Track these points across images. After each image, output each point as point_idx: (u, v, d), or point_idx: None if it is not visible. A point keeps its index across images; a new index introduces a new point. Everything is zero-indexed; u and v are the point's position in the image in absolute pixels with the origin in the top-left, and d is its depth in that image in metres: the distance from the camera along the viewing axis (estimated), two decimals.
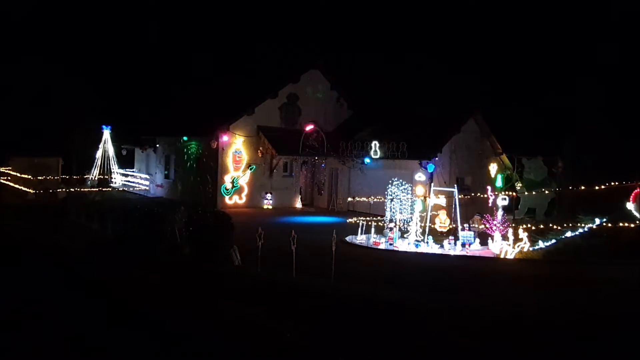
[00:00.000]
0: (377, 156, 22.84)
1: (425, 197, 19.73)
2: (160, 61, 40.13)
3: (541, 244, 15.89)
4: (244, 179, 25.82)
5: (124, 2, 45.99)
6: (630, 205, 17.71)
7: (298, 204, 27.30)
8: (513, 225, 16.50)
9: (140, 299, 8.38)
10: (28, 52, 38.26)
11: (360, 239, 17.65)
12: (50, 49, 38.74)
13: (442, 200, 18.88)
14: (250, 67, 30.54)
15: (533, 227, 17.02)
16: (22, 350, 5.89)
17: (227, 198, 25.30)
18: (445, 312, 8.24)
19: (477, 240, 16.68)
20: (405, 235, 17.49)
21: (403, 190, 18.48)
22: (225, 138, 25.01)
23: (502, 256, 15.60)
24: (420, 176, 22.57)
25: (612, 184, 17.65)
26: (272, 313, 7.55)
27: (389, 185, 18.76)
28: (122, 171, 31.31)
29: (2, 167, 31.95)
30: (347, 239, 17.77)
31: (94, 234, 16.95)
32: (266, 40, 38.01)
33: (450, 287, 11.83)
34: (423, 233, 17.24)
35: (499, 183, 24.96)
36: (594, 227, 16.28)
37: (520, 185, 22.93)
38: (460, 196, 18.02)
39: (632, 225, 16.30)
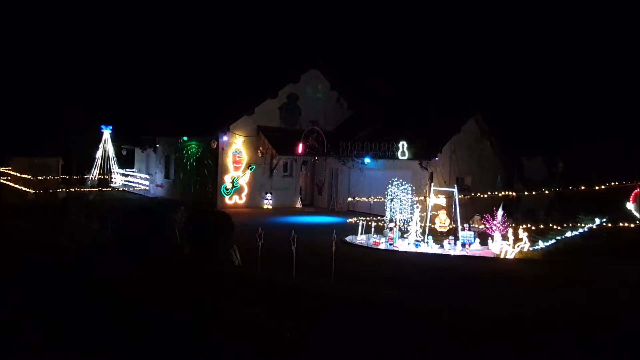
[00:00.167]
0: (405, 157, 22.73)
1: (425, 197, 19.72)
2: (161, 61, 40.15)
3: (541, 244, 15.89)
4: (244, 179, 25.83)
5: (125, 2, 46.00)
6: (630, 205, 17.70)
7: (298, 204, 27.30)
8: (513, 225, 16.49)
9: (140, 299, 8.37)
10: (28, 52, 38.30)
11: (360, 239, 17.64)
12: (50, 49, 38.78)
13: (442, 200, 18.88)
14: (250, 67, 30.52)
15: (533, 227, 17.01)
16: (22, 351, 5.89)
17: (227, 198, 25.30)
18: (445, 312, 8.23)
19: (477, 240, 16.68)
20: (405, 235, 17.49)
21: (403, 190, 18.49)
22: (225, 138, 25.02)
23: (502, 256, 15.60)
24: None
25: (612, 184, 17.65)
26: (272, 313, 7.54)
27: (389, 185, 18.76)
28: (122, 171, 31.31)
29: (2, 167, 31.95)
30: (347, 239, 17.77)
31: (94, 234, 16.95)
32: (266, 40, 38.04)
33: (450, 287, 11.84)
34: (423, 233, 17.24)
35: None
36: (594, 227, 16.28)
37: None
38: (460, 196, 18.02)
39: (632, 225, 16.30)
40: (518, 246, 15.53)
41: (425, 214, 18.00)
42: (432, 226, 18.09)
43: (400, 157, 22.94)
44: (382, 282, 11.65)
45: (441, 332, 7.10)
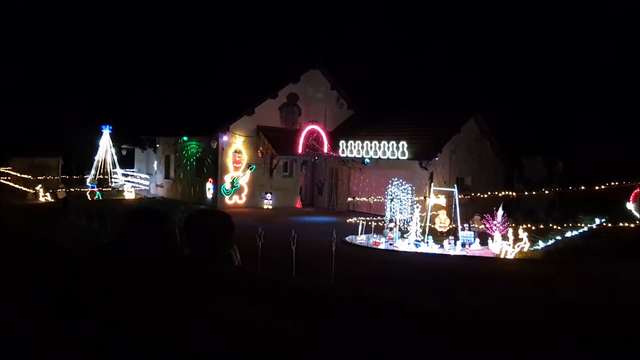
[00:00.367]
0: (405, 157, 22.73)
1: (425, 197, 19.73)
2: (161, 61, 40.16)
3: (541, 244, 15.89)
4: (244, 179, 25.83)
5: (125, 2, 45.99)
6: (630, 205, 17.72)
7: (298, 204, 27.30)
8: (513, 225, 16.49)
9: (140, 299, 8.37)
10: (28, 52, 38.31)
11: (360, 239, 17.65)
12: (50, 49, 38.79)
13: (442, 200, 18.88)
14: (251, 67, 30.53)
15: (533, 227, 17.01)
16: (22, 351, 5.89)
17: (227, 198, 25.31)
18: (445, 312, 8.23)
19: (477, 240, 16.68)
20: (405, 235, 17.49)
21: (403, 190, 18.49)
22: (225, 138, 25.03)
23: (502, 256, 15.60)
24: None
25: (612, 184, 17.65)
26: (272, 313, 7.54)
27: (389, 185, 18.76)
28: (122, 171, 31.32)
29: (2, 167, 31.96)
30: (347, 239, 17.78)
31: (94, 234, 16.96)
32: (266, 40, 38.02)
33: (450, 287, 11.84)
34: (423, 233, 17.24)
35: None
36: (594, 227, 16.28)
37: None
38: (460, 196, 18.02)
39: (632, 225, 16.30)
40: (518, 246, 15.53)
41: (425, 214, 18.00)
42: (432, 226, 18.09)
43: (400, 157, 22.94)
44: (382, 282, 11.65)
45: (441, 332, 7.10)
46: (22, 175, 28.81)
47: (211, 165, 25.57)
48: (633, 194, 17.73)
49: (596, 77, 29.68)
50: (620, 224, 16.29)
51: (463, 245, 16.52)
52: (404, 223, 18.27)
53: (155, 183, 30.48)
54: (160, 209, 14.02)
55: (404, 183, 18.69)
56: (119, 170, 30.59)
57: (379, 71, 36.18)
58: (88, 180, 30.17)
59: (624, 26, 30.80)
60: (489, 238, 16.42)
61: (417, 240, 16.84)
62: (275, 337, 6.50)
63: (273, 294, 9.14)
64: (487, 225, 16.59)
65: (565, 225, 16.76)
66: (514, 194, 21.03)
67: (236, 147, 25.53)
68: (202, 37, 41.67)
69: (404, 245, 16.79)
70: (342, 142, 25.43)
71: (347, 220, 19.69)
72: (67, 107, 34.19)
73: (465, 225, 17.51)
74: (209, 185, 25.54)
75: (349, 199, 25.07)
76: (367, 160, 24.45)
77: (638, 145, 22.66)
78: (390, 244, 16.89)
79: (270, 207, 25.80)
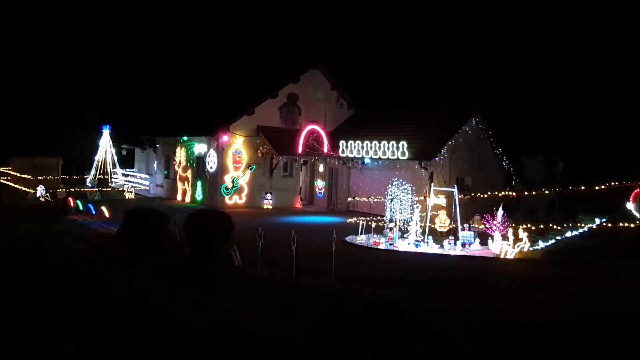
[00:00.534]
0: (405, 157, 22.73)
1: (425, 197, 19.73)
2: (161, 61, 40.14)
3: (541, 244, 15.89)
4: (244, 179, 25.83)
5: (125, 2, 46.00)
6: (630, 205, 17.71)
7: (298, 204, 27.30)
8: (513, 225, 16.49)
9: (140, 299, 8.37)
10: (28, 52, 38.30)
11: (360, 239, 17.65)
12: (50, 49, 38.78)
13: (442, 200, 18.88)
14: (251, 67, 30.55)
15: (533, 227, 17.01)
16: (22, 351, 5.89)
17: (227, 198, 25.31)
18: (445, 312, 8.23)
19: (477, 240, 16.68)
20: (405, 235, 17.49)
21: (403, 190, 18.49)
22: (225, 138, 25.03)
23: (502, 256, 15.60)
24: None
25: (612, 184, 17.65)
26: (272, 313, 7.54)
27: (389, 185, 18.76)
28: (122, 171, 31.33)
29: (2, 167, 31.96)
30: (347, 239, 17.78)
31: (94, 234, 16.96)
32: (267, 40, 38.04)
33: (450, 287, 11.83)
34: (423, 233, 17.24)
35: None
36: (594, 227, 16.28)
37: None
38: (460, 196, 18.02)
39: (632, 225, 16.30)
40: (518, 246, 15.53)
41: (425, 214, 18.00)
42: (432, 226, 18.09)
43: (400, 157, 22.94)
44: (382, 282, 11.64)
45: (441, 332, 7.10)
46: (22, 175, 28.80)
47: (211, 164, 25.58)
48: (633, 194, 17.72)
49: (596, 77, 29.70)
50: (620, 224, 16.29)
51: (463, 245, 16.52)
52: (404, 223, 18.26)
53: (155, 183, 30.48)
54: (160, 209, 14.01)
55: (404, 183, 18.69)
56: (119, 170, 30.59)
57: (379, 71, 36.21)
58: (88, 180, 30.18)
59: (624, 26, 30.80)
60: (489, 238, 16.42)
61: (417, 240, 16.84)
62: (275, 337, 6.50)
63: (273, 294, 9.14)
64: (487, 225, 16.59)
65: (565, 225, 16.75)
66: (514, 194, 21.03)
67: (236, 147, 25.54)
68: (203, 37, 41.70)
69: (404, 245, 16.79)
70: (342, 142, 25.43)
71: (347, 220, 19.69)
72: (67, 107, 34.21)
73: (465, 225, 17.50)
74: (209, 185, 25.56)
75: (349, 199, 25.07)
76: (367, 160, 24.45)
77: (638, 145, 22.66)
78: (390, 244, 16.89)
79: (270, 207, 25.80)
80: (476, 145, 24.53)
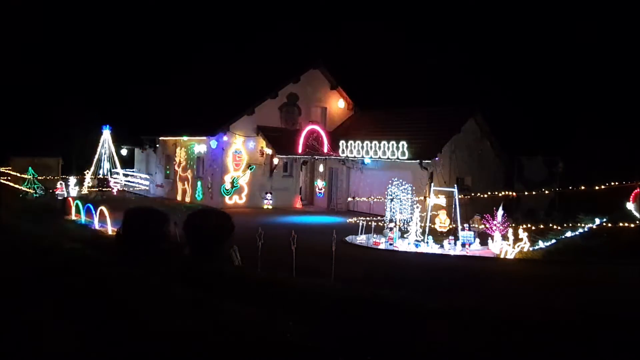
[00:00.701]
0: (405, 157, 22.71)
1: (425, 197, 19.73)
2: (161, 61, 40.16)
3: (541, 244, 15.89)
4: (244, 179, 25.83)
5: (125, 2, 46.01)
6: (630, 205, 17.70)
7: (298, 204, 27.30)
8: (513, 225, 16.49)
9: (140, 299, 8.38)
10: (28, 52, 38.28)
11: (360, 239, 17.64)
12: (50, 49, 38.79)
13: (442, 200, 18.87)
14: (251, 67, 30.55)
15: (533, 227, 17.01)
16: (22, 351, 5.89)
17: (227, 198, 25.31)
18: (445, 312, 8.23)
19: (477, 240, 16.68)
20: (405, 235, 17.49)
21: (403, 190, 18.48)
22: (225, 138, 25.03)
23: (502, 256, 15.59)
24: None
25: (612, 184, 17.64)
26: (272, 313, 7.54)
27: (389, 185, 18.76)
28: (122, 171, 31.32)
29: (2, 167, 31.95)
30: (347, 239, 17.77)
31: (94, 234, 16.96)
32: (267, 40, 38.03)
33: (450, 287, 11.83)
34: (423, 233, 17.24)
35: None
36: (594, 227, 16.27)
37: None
38: (460, 196, 18.02)
39: (632, 225, 16.29)
40: (518, 246, 15.53)
41: (425, 214, 18.00)
42: (432, 226, 18.09)
43: (400, 157, 22.94)
44: (382, 282, 11.63)
45: (441, 332, 7.10)
46: (22, 175, 28.79)
47: (211, 165, 25.58)
48: (633, 194, 17.71)
49: (596, 77, 29.68)
50: (620, 224, 16.28)
51: (463, 245, 16.51)
52: (404, 223, 18.26)
53: (155, 183, 30.47)
54: (160, 209, 14.00)
55: (404, 183, 18.68)
56: (119, 170, 30.59)
57: (379, 71, 36.21)
58: (88, 180, 30.15)
59: (624, 26, 30.80)
60: (489, 238, 16.42)
61: (417, 240, 16.83)
62: (275, 337, 6.50)
63: (273, 294, 9.14)
64: (487, 225, 16.58)
65: (565, 225, 16.74)
66: (514, 194, 21.03)
67: (236, 147, 25.53)
68: (203, 37, 41.71)
69: (404, 245, 16.78)
70: (342, 142, 25.43)
71: (347, 220, 19.69)
72: (67, 107, 34.19)
73: (465, 225, 17.50)
74: (209, 185, 25.56)
75: (349, 199, 25.07)
76: (367, 160, 24.45)
77: (638, 145, 22.65)
78: (390, 244, 16.89)
79: (270, 207, 25.80)
80: (476, 145, 24.53)
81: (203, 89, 31.89)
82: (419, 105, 27.51)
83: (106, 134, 30.40)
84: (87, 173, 29.87)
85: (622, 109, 27.34)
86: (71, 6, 41.33)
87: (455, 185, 18.59)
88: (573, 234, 16.20)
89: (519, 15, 37.17)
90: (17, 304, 7.70)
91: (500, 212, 16.46)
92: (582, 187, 17.91)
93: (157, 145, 30.34)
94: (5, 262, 11.07)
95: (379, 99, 31.60)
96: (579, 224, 16.48)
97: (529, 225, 16.85)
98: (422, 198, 19.83)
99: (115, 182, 29.99)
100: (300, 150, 25.65)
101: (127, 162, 32.92)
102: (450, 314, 8.16)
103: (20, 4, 35.56)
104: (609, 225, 16.31)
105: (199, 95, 31.43)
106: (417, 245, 16.64)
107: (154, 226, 12.79)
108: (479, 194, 20.01)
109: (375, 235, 17.37)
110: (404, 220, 18.30)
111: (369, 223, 17.81)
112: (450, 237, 16.77)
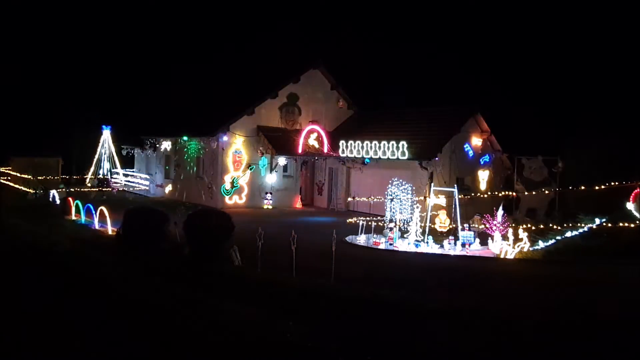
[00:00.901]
0: (405, 157, 22.71)
1: (425, 197, 19.73)
2: (161, 61, 40.16)
3: (541, 244, 15.89)
4: (244, 179, 25.83)
5: (125, 2, 46.00)
6: (630, 205, 17.71)
7: (298, 204, 27.30)
8: (513, 225, 16.49)
9: (140, 299, 8.38)
10: (28, 52, 38.32)
11: (360, 239, 17.64)
12: (51, 49, 38.80)
13: (442, 200, 18.87)
14: (251, 67, 30.54)
15: (533, 227, 17.01)
16: (22, 351, 5.89)
17: (227, 198, 25.31)
18: (445, 312, 8.23)
19: (477, 240, 16.68)
20: (405, 235, 17.49)
21: (403, 190, 18.48)
22: (225, 138, 25.03)
23: (502, 256, 15.60)
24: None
25: (612, 184, 17.64)
26: (272, 313, 7.54)
27: (389, 185, 18.75)
28: (122, 171, 31.31)
29: (2, 167, 31.96)
30: (347, 239, 17.77)
31: (94, 234, 16.96)
32: (267, 40, 38.03)
33: (450, 287, 11.83)
34: (423, 233, 17.24)
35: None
36: (594, 227, 16.27)
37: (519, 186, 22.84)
38: (460, 196, 18.02)
39: (632, 225, 16.30)
40: (518, 246, 15.53)
41: (425, 214, 18.00)
42: (432, 226, 18.09)
43: (400, 157, 22.94)
44: (382, 282, 11.64)
45: (441, 332, 7.10)
46: (22, 175, 28.79)
47: (211, 165, 25.58)
48: (633, 194, 17.72)
49: (596, 77, 29.69)
50: (620, 224, 16.28)
51: (463, 245, 16.51)
52: (404, 223, 18.26)
53: (155, 183, 30.47)
54: (160, 209, 14.01)
55: (404, 183, 18.68)
56: (119, 170, 30.58)
57: (379, 71, 36.20)
58: (88, 180, 30.16)
59: (624, 25, 30.80)
60: (489, 238, 16.41)
61: (417, 240, 16.83)
62: (275, 337, 6.50)
63: (273, 294, 9.15)
64: (487, 225, 16.58)
65: (565, 225, 16.74)
66: (514, 194, 21.03)
67: (236, 147, 25.53)
68: (203, 37, 41.70)
69: (404, 245, 16.78)
70: (342, 142, 25.43)
71: (347, 220, 19.69)
72: (67, 107, 34.20)
73: (465, 225, 17.50)
74: (209, 185, 25.56)
75: (349, 199, 25.07)
76: (367, 160, 24.45)
77: (638, 145, 22.64)
78: (390, 244, 16.89)
79: (270, 207, 25.79)
80: (476, 145, 24.52)
81: (203, 89, 31.88)
82: (418, 105, 27.51)
83: (106, 134, 30.38)
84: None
85: (621, 108, 27.34)
86: (71, 6, 41.35)
87: (455, 185, 18.60)
88: (573, 234, 16.20)
89: (519, 15, 37.18)
90: (17, 304, 7.70)
91: (500, 212, 16.46)
92: (582, 187, 17.92)
93: (157, 145, 30.34)
94: (5, 262, 11.07)
95: (379, 99, 31.62)
96: (579, 224, 16.48)
97: (529, 225, 16.86)
98: (422, 198, 19.83)
99: (115, 182, 30.01)
100: (300, 150, 25.65)
101: (128, 162, 32.92)
102: (450, 314, 8.17)
103: (21, 4, 35.60)
104: (609, 225, 16.31)
105: (199, 95, 31.42)
106: (417, 245, 16.64)
107: (154, 226, 12.80)
108: (479, 194, 20.01)
109: (375, 235, 17.37)
110: (404, 220, 18.30)
111: (369, 223, 17.81)
112: (450, 237, 16.77)
